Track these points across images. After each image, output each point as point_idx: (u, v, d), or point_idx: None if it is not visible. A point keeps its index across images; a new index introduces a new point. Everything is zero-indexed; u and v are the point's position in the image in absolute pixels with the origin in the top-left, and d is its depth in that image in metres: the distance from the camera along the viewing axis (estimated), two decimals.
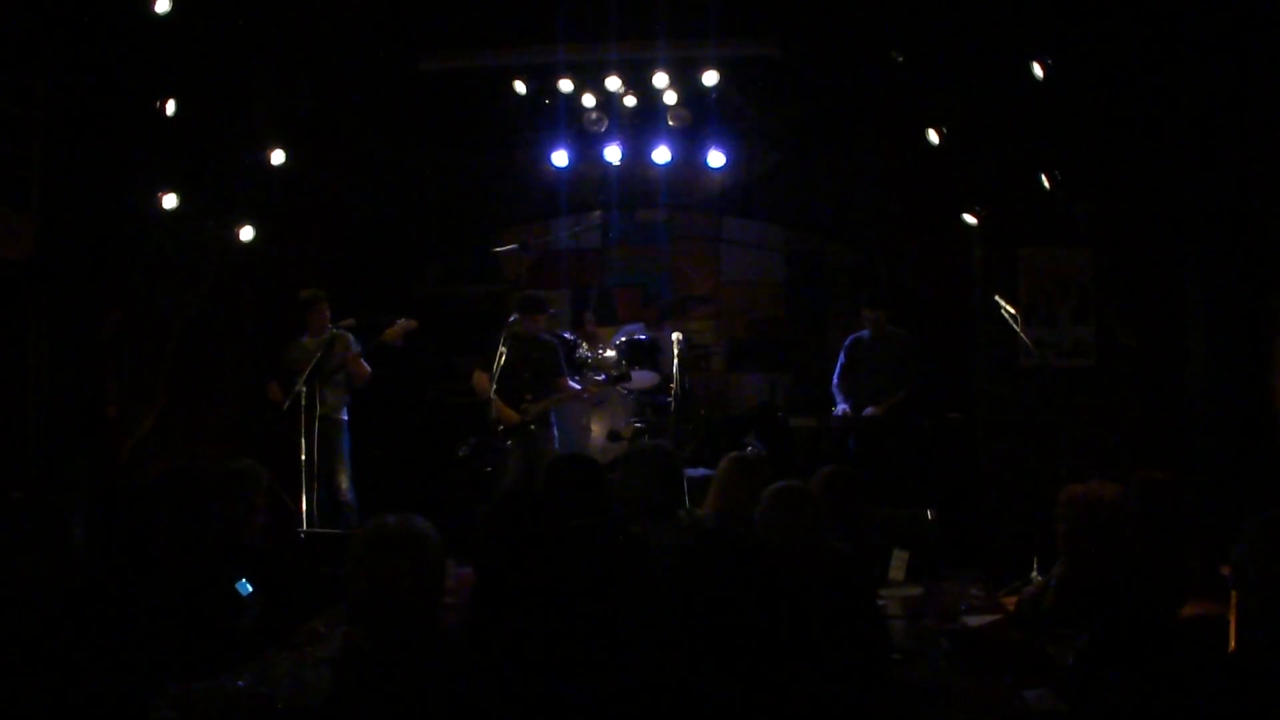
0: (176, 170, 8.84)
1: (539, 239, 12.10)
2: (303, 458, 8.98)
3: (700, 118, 10.63)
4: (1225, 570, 4.30)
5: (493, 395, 9.34)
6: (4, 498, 7.29)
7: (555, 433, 9.81)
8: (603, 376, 10.70)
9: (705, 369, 12.42)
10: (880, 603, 5.23)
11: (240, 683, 4.29)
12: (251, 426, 10.05)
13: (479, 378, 9.59)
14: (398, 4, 9.35)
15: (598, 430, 10.74)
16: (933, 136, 9.08)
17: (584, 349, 11.00)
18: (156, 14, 7.59)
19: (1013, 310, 8.97)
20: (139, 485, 8.71)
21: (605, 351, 10.98)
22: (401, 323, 9.39)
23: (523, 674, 3.65)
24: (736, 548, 3.63)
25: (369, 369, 9.50)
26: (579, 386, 10.00)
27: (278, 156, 9.19)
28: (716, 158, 10.86)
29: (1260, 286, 8.43)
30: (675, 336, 10.64)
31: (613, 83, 10.17)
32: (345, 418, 9.63)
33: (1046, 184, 8.89)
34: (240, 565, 5.22)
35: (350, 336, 9.44)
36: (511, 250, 11.35)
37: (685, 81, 10.19)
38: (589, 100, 10.48)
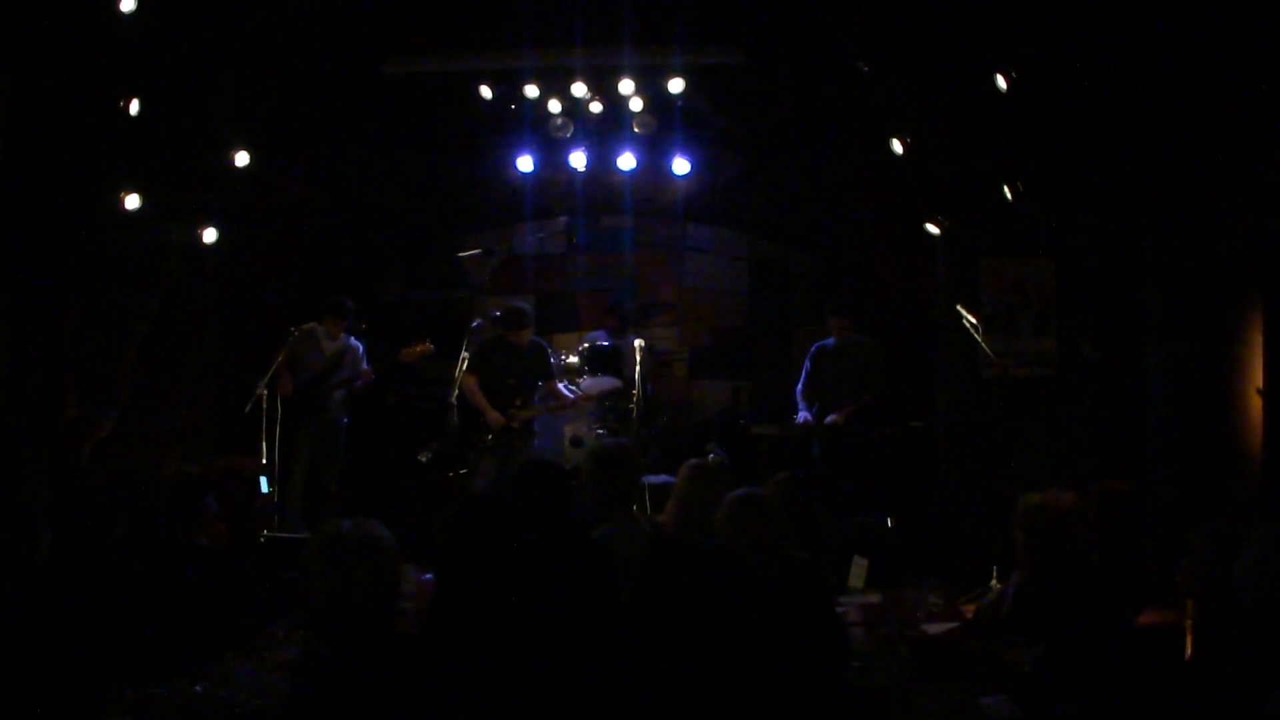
0: (139, 171, 8.79)
1: (503, 244, 12.10)
2: (263, 460, 8.99)
3: (665, 125, 10.65)
4: (1180, 579, 4.34)
5: (480, 400, 9.45)
6: None
7: (536, 441, 9.85)
8: (564, 383, 10.71)
9: (668, 376, 12.44)
10: (840, 610, 5.26)
11: (198, 687, 4.27)
12: (215, 428, 10.02)
13: (468, 380, 9.62)
14: (363, 7, 9.32)
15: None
16: (896, 146, 9.10)
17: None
18: (121, 13, 7.55)
19: (974, 320, 9.01)
20: (96, 488, 8.66)
21: (568, 358, 11.00)
22: (420, 346, 9.53)
23: (481, 679, 3.64)
24: (696, 555, 3.64)
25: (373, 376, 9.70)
26: (571, 395, 10.04)
27: (242, 158, 9.15)
28: (681, 165, 10.88)
29: (1219, 297, 8.50)
30: (638, 343, 10.66)
31: (578, 89, 10.17)
32: (345, 421, 9.72)
33: (1009, 195, 8.93)
34: (197, 568, 5.20)
35: (360, 346, 9.63)
36: (475, 255, 11.35)
37: (651, 88, 10.20)
38: (555, 106, 10.48)
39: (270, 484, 9.10)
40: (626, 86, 10.11)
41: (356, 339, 9.95)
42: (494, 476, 9.47)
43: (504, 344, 9.63)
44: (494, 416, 9.47)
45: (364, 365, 9.78)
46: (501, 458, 9.50)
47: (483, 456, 9.59)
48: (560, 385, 10.06)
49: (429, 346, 9.68)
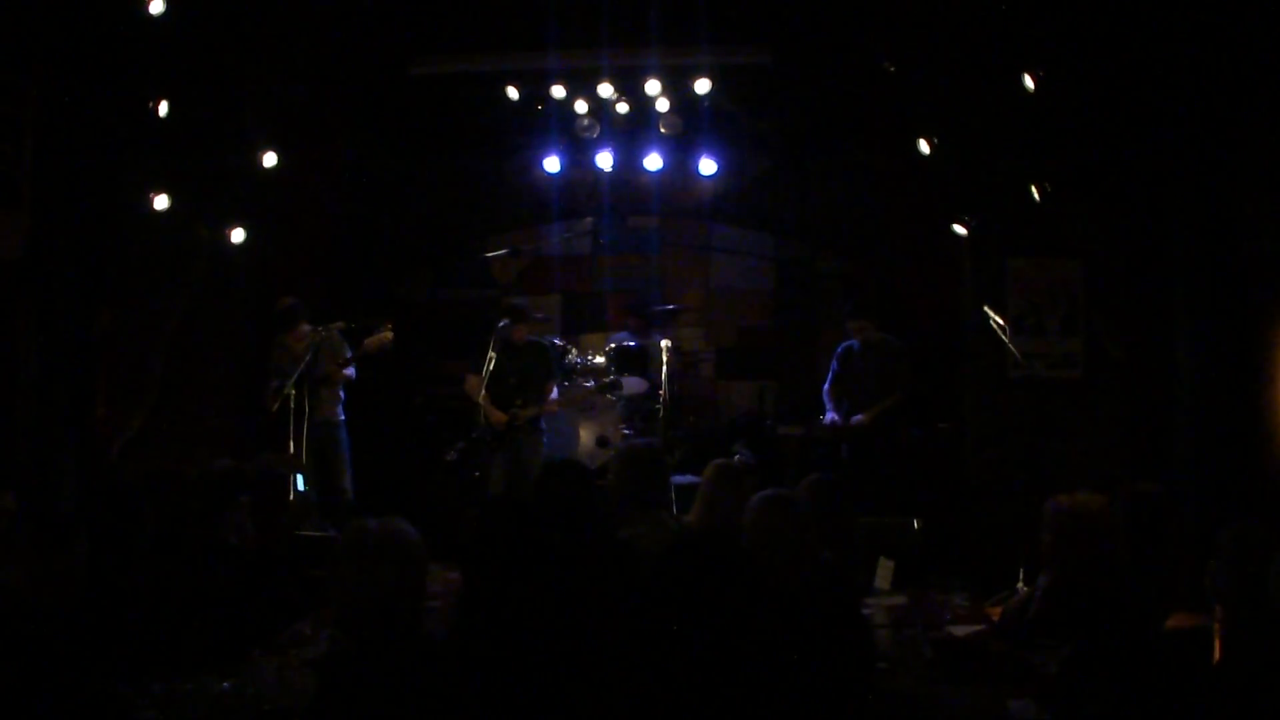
0: (168, 171, 8.84)
1: (530, 244, 12.11)
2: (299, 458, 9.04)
3: (692, 125, 10.64)
4: (1208, 582, 4.31)
5: (482, 399, 9.43)
6: None
7: (544, 439, 9.86)
8: (590, 383, 10.72)
9: (694, 376, 12.42)
10: (866, 611, 5.25)
11: (225, 684, 4.29)
12: (242, 428, 10.06)
13: (471, 381, 9.66)
14: (390, 8, 9.34)
15: (586, 436, 10.74)
16: (923, 146, 9.08)
17: (574, 355, 11.03)
18: (150, 14, 7.59)
19: (1001, 321, 8.99)
20: (126, 485, 8.70)
21: (595, 358, 11.01)
22: (379, 335, 9.44)
23: (507, 678, 3.65)
24: (722, 555, 3.64)
25: (352, 374, 9.59)
26: (555, 396, 10.03)
27: (269, 159, 9.18)
28: (708, 165, 10.87)
29: (1248, 298, 8.45)
30: (664, 344, 10.66)
31: (605, 89, 10.18)
32: (341, 418, 9.69)
33: (1036, 195, 8.90)
34: (225, 566, 5.23)
35: (339, 338, 9.52)
36: (502, 255, 11.37)
37: (677, 89, 10.19)
38: (581, 106, 10.48)
39: (306, 482, 9.12)
40: (653, 87, 10.11)
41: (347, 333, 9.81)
42: (506, 476, 9.52)
43: (504, 343, 9.63)
44: (496, 416, 9.50)
45: (347, 354, 9.58)
46: (511, 457, 9.55)
47: (493, 456, 9.62)
48: (555, 386, 10.06)
49: (388, 335, 9.58)
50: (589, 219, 12.40)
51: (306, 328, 9.48)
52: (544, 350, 9.85)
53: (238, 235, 9.33)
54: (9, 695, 3.78)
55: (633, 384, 10.79)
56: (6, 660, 3.88)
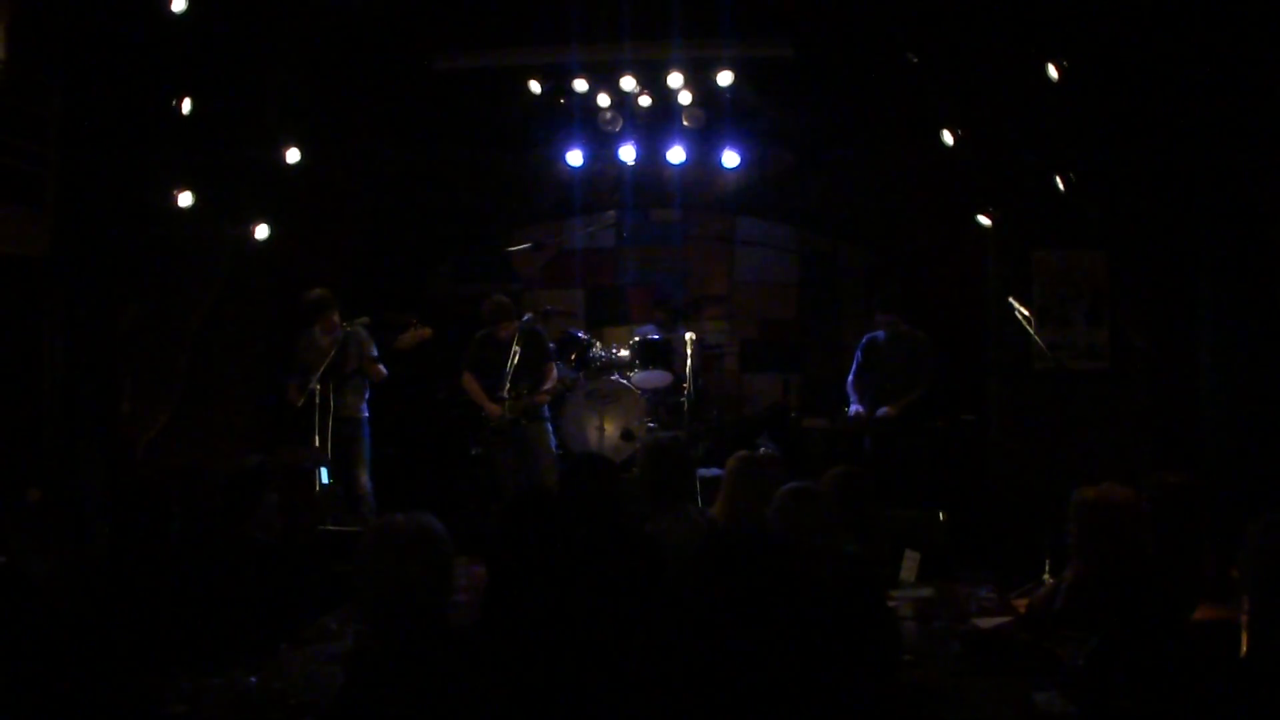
0: (192, 168, 8.86)
1: (553, 238, 12.12)
2: (325, 453, 9.07)
3: (715, 118, 10.62)
4: (1235, 574, 4.29)
5: (480, 394, 9.53)
6: (21, 495, 7.34)
7: (549, 427, 9.89)
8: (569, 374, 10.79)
9: (718, 369, 12.43)
10: (892, 604, 5.23)
11: (252, 679, 4.31)
12: (266, 424, 10.09)
13: (466, 377, 9.74)
14: (413, 3, 9.35)
15: (611, 430, 10.75)
16: (947, 138, 9.06)
17: (598, 348, 11.04)
18: (172, 12, 7.61)
19: (1026, 312, 8.96)
20: (152, 481, 8.74)
21: (619, 351, 11.02)
22: (414, 331, 9.49)
23: (533, 672, 3.65)
24: (749, 548, 3.64)
25: (385, 371, 9.61)
26: (555, 378, 10.07)
27: (293, 155, 9.20)
28: (731, 158, 10.85)
29: (1273, 288, 8.40)
30: (688, 337, 10.66)
31: (627, 83, 10.16)
32: (365, 414, 9.73)
33: (1061, 186, 8.88)
34: (252, 561, 5.25)
35: (366, 334, 9.54)
36: (525, 249, 11.38)
37: (700, 82, 10.18)
38: (604, 100, 10.47)
39: (330, 476, 9.16)
40: (675, 80, 10.09)
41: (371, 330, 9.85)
42: (512, 467, 9.58)
43: (493, 339, 9.69)
44: (491, 409, 9.56)
45: (373, 353, 9.68)
46: (517, 448, 9.64)
47: (503, 449, 9.67)
48: (554, 373, 10.12)
49: (425, 331, 9.64)
50: (612, 212, 12.43)
51: (337, 318, 9.51)
52: (533, 336, 9.86)
53: (261, 231, 9.36)
54: (39, 689, 3.80)
55: (656, 377, 10.80)
56: (36, 655, 3.90)
